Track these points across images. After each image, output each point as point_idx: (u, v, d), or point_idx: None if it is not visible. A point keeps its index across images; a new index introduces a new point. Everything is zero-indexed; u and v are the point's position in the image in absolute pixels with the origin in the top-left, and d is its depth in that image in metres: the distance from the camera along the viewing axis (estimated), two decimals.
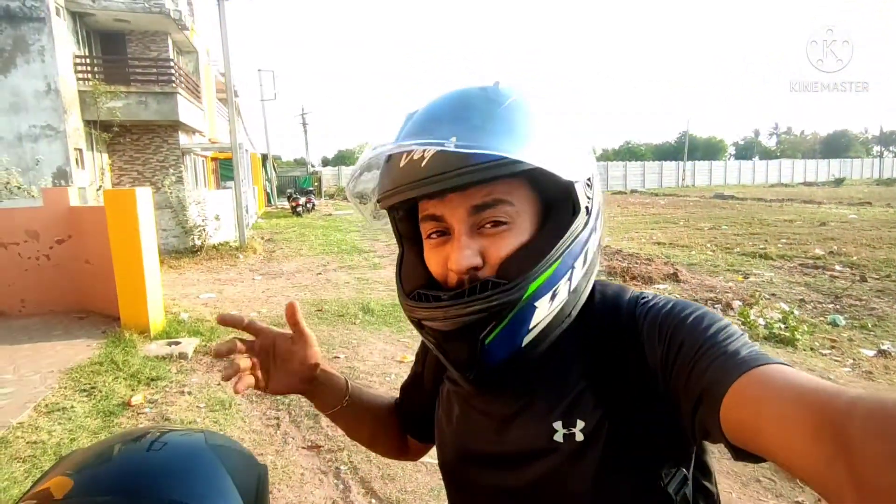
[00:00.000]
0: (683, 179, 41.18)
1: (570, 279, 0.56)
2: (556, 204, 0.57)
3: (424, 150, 0.53)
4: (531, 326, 0.55)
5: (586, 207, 0.58)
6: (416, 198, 0.56)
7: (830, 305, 6.14)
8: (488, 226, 0.56)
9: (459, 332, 0.55)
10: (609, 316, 0.61)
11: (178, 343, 4.78)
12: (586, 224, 0.58)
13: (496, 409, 0.64)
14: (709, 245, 10.51)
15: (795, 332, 4.64)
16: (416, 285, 0.62)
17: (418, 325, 0.60)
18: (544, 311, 0.55)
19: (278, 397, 3.64)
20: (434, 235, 0.59)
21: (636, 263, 8.31)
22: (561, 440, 0.57)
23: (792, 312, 5.17)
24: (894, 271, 7.70)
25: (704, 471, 0.61)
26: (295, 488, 2.61)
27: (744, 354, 0.48)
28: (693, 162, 45.11)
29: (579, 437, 0.56)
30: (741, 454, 0.46)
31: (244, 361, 0.70)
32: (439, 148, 0.51)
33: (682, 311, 0.56)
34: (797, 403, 0.40)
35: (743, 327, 5.11)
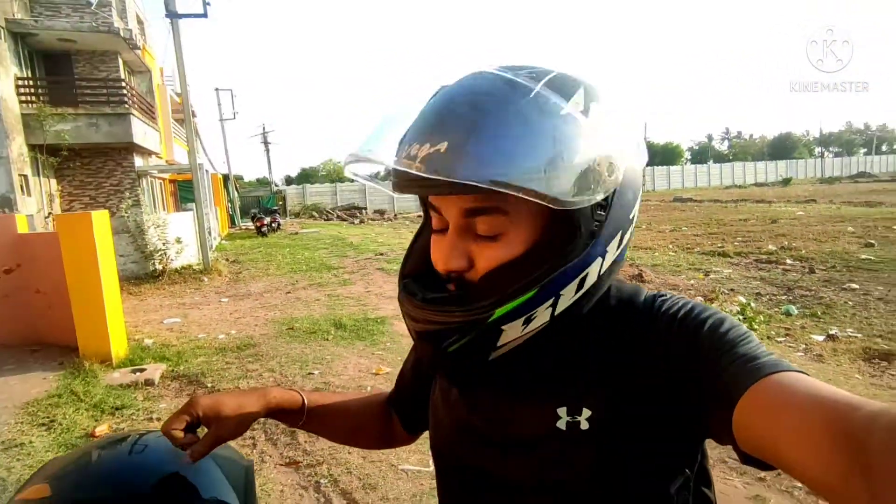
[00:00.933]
0: (644, 184, 42.57)
1: (553, 306, 0.53)
2: (561, 221, 0.52)
3: (420, 147, 0.50)
4: (499, 345, 0.54)
5: (591, 232, 0.53)
6: (403, 192, 0.55)
7: (784, 297, 6.45)
8: (482, 229, 0.53)
9: (426, 333, 0.56)
10: (624, 314, 0.59)
11: (143, 370, 4.60)
12: (586, 248, 0.53)
13: (497, 393, 0.62)
14: (671, 246, 10.89)
15: (753, 323, 4.86)
16: (414, 269, 0.62)
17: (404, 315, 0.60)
18: (515, 333, 0.53)
19: None
20: (437, 228, 0.58)
21: None
22: (563, 427, 0.56)
23: (749, 304, 5.41)
24: (839, 262, 8.16)
25: (704, 478, 0.60)
26: None
27: (761, 360, 0.48)
28: (652, 167, 46.72)
29: (584, 425, 0.55)
30: (749, 459, 0.46)
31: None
32: (417, 174, 0.48)
33: (700, 313, 0.55)
34: (814, 414, 0.40)
35: None
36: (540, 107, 0.49)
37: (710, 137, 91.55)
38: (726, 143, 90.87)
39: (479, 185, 0.46)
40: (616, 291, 0.61)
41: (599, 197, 0.51)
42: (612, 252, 0.56)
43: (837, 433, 0.37)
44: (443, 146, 0.48)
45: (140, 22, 16.63)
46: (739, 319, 4.93)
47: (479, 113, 0.49)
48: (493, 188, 0.46)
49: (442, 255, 0.55)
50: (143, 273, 9.65)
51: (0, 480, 2.77)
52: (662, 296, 0.60)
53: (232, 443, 0.75)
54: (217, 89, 28.61)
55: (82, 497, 0.66)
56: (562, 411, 0.56)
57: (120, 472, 0.72)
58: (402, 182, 0.53)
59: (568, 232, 0.52)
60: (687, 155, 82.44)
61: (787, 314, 5.65)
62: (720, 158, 75.91)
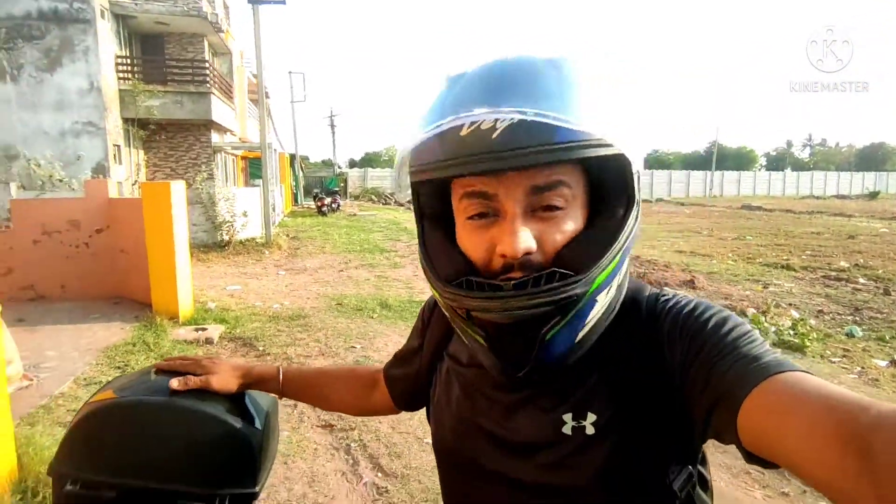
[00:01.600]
0: (711, 189, 40.50)
1: (621, 273, 0.55)
2: (610, 194, 0.54)
3: (497, 120, 0.47)
4: (587, 321, 0.53)
5: (637, 201, 0.56)
6: (479, 173, 0.50)
7: (849, 317, 6.09)
8: (542, 209, 0.52)
9: (518, 325, 0.52)
10: (628, 312, 0.59)
11: (204, 329, 5.04)
12: (636, 218, 0.55)
13: (503, 397, 0.62)
14: (731, 255, 10.44)
15: (805, 339, 4.66)
16: (456, 271, 0.56)
17: (465, 315, 0.55)
18: (601, 306, 0.53)
19: None
20: (477, 217, 0.54)
21: (653, 269, 8.33)
22: (569, 432, 0.56)
23: (802, 320, 5.18)
24: None
25: (702, 482, 0.60)
26: (308, 461, 2.81)
27: (766, 360, 0.47)
28: (722, 172, 44.31)
29: (590, 430, 0.55)
30: (753, 458, 0.46)
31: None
32: (542, 119, 0.46)
33: (704, 311, 0.55)
34: (822, 414, 0.40)
35: None
36: (603, 83, 0.52)
37: (789, 143, 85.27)
38: (808, 150, 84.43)
39: (606, 140, 0.49)
40: None
41: (641, 164, 0.56)
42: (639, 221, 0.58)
43: (845, 433, 0.37)
44: (539, 101, 0.48)
45: (225, 7, 17.60)
46: (790, 335, 4.77)
47: (554, 76, 0.50)
48: (618, 147, 0.49)
49: (513, 239, 0.50)
50: (212, 242, 10.37)
51: None
52: (665, 294, 0.60)
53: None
54: (290, 72, 29.84)
55: (139, 399, 0.86)
56: (567, 417, 0.56)
57: (169, 384, 0.91)
58: (469, 160, 0.49)
59: (622, 201, 0.54)
60: (762, 161, 77.45)
61: (850, 335, 5.35)
62: (799, 167, 70.76)
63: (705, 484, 0.60)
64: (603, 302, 0.53)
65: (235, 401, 0.88)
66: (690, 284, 7.33)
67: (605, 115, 0.50)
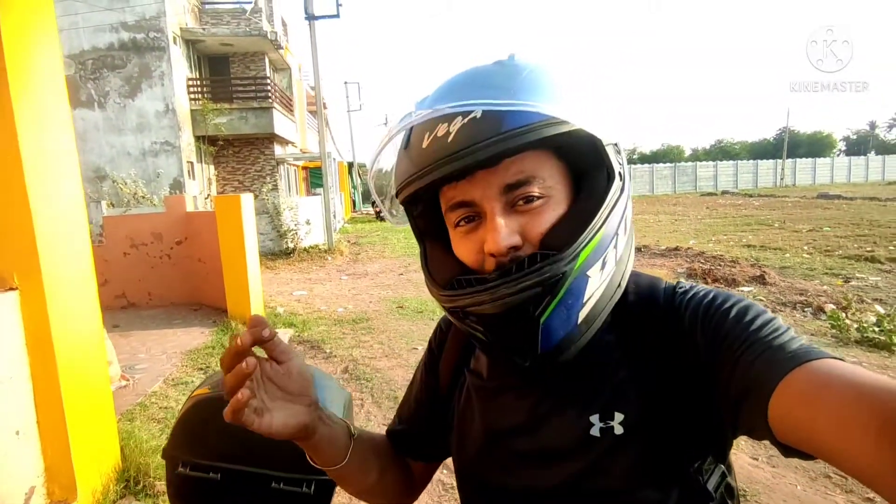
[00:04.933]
0: (782, 179, 37.94)
1: (615, 247, 0.54)
2: (588, 172, 0.55)
3: (450, 125, 0.50)
4: (585, 299, 0.52)
5: (619, 173, 0.55)
6: (440, 181, 0.53)
7: None
8: (521, 202, 0.53)
9: (512, 313, 0.51)
10: (645, 306, 0.58)
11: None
12: (622, 189, 0.55)
13: (526, 404, 0.60)
14: (806, 248, 9.78)
15: (893, 336, 4.32)
16: (450, 276, 0.57)
17: (462, 315, 0.56)
18: (597, 282, 0.52)
19: (363, 380, 4.02)
20: (463, 223, 0.56)
21: (719, 265, 7.96)
22: (598, 434, 0.55)
23: (888, 315, 4.80)
24: None
25: (728, 491, 0.58)
26: None
27: (794, 348, 0.46)
28: (794, 160, 41.31)
29: (618, 430, 0.54)
30: (791, 451, 0.44)
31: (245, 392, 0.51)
32: (480, 108, 0.49)
33: (725, 301, 0.54)
34: (857, 403, 0.39)
35: (833, 331, 4.83)
36: (550, 70, 0.54)
37: (872, 125, 77.53)
38: (895, 131, 76.89)
39: (552, 115, 0.48)
40: (634, 286, 0.60)
41: (616, 137, 0.56)
42: (630, 196, 0.58)
43: (884, 422, 0.36)
44: (489, 95, 0.50)
45: (284, 24, 18.44)
46: (874, 332, 4.45)
47: (502, 74, 0.53)
48: (567, 118, 0.49)
49: (495, 237, 0.51)
50: (278, 250, 10.91)
51: (170, 409, 3.49)
52: (681, 285, 0.60)
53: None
54: (346, 82, 30.78)
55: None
56: (594, 418, 0.55)
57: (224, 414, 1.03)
58: (431, 167, 0.52)
59: (601, 177, 0.54)
60: (841, 145, 71.44)
61: None
62: (884, 150, 64.03)
63: (732, 493, 0.58)
64: (599, 277, 0.52)
65: (317, 394, 0.98)
66: (761, 280, 6.96)
67: (550, 95, 0.51)
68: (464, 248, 0.56)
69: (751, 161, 41.39)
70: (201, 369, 4.28)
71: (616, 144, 0.56)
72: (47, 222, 2.11)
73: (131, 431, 2.89)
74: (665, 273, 7.88)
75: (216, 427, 0.97)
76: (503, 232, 0.52)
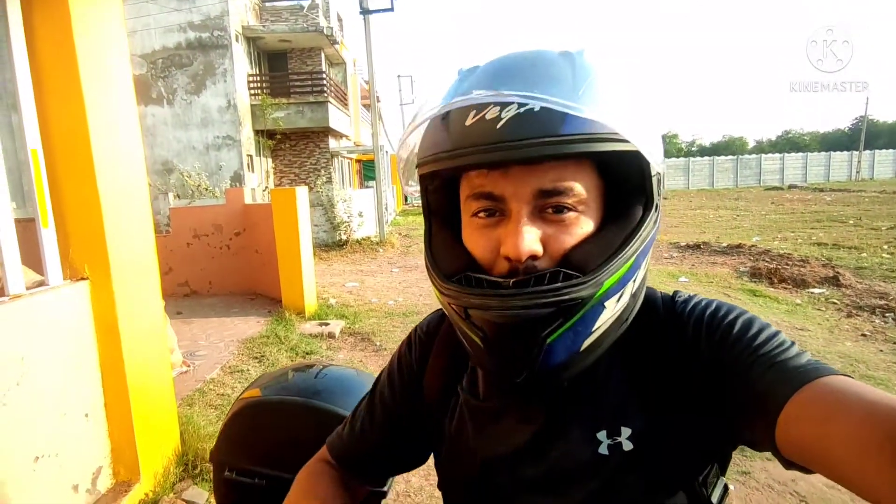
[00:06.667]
0: (858, 172, 35.13)
1: (635, 280, 0.51)
2: (627, 195, 0.51)
3: (502, 110, 0.45)
4: (594, 328, 0.49)
5: (656, 205, 0.52)
6: (474, 167, 0.49)
7: None
8: (551, 211, 0.49)
9: (517, 327, 0.48)
10: (645, 315, 0.56)
11: (327, 324, 5.45)
12: (655, 222, 0.52)
13: (529, 427, 0.56)
14: (886, 247, 9.01)
15: None
16: (457, 268, 0.53)
17: (463, 315, 0.51)
18: (610, 313, 0.50)
19: None
20: (483, 214, 0.51)
21: (787, 265, 7.45)
22: (606, 452, 0.52)
23: None
24: None
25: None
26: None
27: (802, 363, 0.45)
28: (872, 151, 38.15)
29: (627, 445, 0.52)
30: (793, 465, 0.44)
31: None
32: (548, 105, 0.43)
33: (728, 313, 0.53)
34: (869, 423, 0.38)
35: None
36: (620, 79, 0.49)
37: None
38: None
39: (621, 133, 0.45)
40: None
41: (663, 164, 0.53)
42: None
43: (891, 441, 0.36)
44: (552, 90, 0.44)
45: (339, 19, 18.78)
46: None
47: (567, 69, 0.48)
48: (633, 140, 0.45)
49: (517, 241, 0.48)
50: (331, 241, 11.16)
51: (226, 396, 3.62)
52: (680, 294, 0.58)
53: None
54: (399, 76, 31.02)
55: (279, 398, 0.96)
56: (601, 435, 0.53)
57: (304, 383, 1.02)
58: (473, 150, 0.47)
59: (639, 203, 0.51)
60: None
61: None
62: None
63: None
64: (612, 309, 0.50)
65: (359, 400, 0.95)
66: (834, 281, 6.46)
67: (619, 109, 0.46)
68: (478, 242, 0.52)
69: (822, 153, 38.54)
70: (256, 358, 4.42)
71: (660, 173, 0.52)
72: (115, 216, 2.21)
73: (190, 417, 3.01)
74: (728, 272, 7.48)
75: (262, 432, 0.96)
76: (527, 238, 0.48)
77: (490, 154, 0.46)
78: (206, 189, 10.94)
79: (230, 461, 0.93)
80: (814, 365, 0.45)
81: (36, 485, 1.87)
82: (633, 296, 0.53)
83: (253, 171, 13.91)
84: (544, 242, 0.49)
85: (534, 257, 0.49)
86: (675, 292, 0.59)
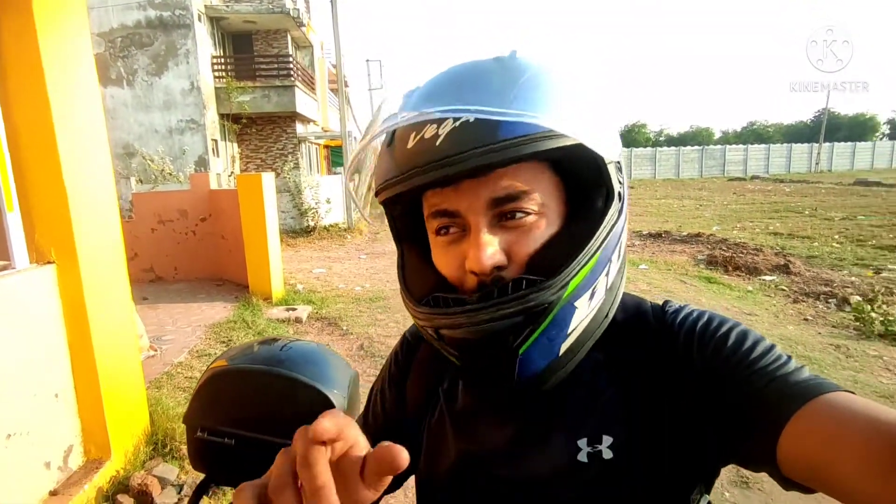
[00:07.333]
0: (817, 163, 36.68)
1: (607, 275, 0.50)
2: (586, 190, 0.51)
3: (439, 127, 0.46)
4: (569, 331, 0.48)
5: (619, 193, 0.52)
6: (423, 187, 0.49)
7: None
8: (510, 218, 0.49)
9: (488, 340, 0.47)
10: (633, 325, 0.56)
11: (294, 309, 5.49)
12: (620, 211, 0.52)
13: (508, 430, 0.56)
14: (837, 237, 9.54)
15: None
16: (427, 290, 0.53)
17: (436, 336, 0.52)
18: (584, 312, 0.49)
19: (378, 357, 4.14)
20: (443, 231, 0.52)
21: (741, 253, 7.84)
22: (585, 459, 0.52)
23: None
24: None
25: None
26: None
27: (802, 379, 0.44)
28: (831, 144, 39.76)
29: (607, 454, 0.51)
30: (791, 484, 0.43)
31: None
32: (473, 115, 0.43)
33: (721, 325, 0.52)
34: (878, 441, 0.37)
35: (856, 324, 4.77)
36: (554, 75, 0.49)
37: None
38: None
39: (552, 127, 0.44)
40: (620, 305, 0.57)
41: (619, 154, 0.52)
42: (626, 218, 0.54)
43: None
44: (482, 99, 0.44)
45: (306, 1, 18.39)
46: None
47: (500, 74, 0.48)
48: (567, 132, 0.44)
49: (479, 254, 0.47)
50: (299, 228, 11.09)
51: (194, 378, 3.66)
52: (670, 304, 0.57)
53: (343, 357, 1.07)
54: (367, 60, 30.56)
55: (245, 367, 1.05)
56: (582, 442, 0.52)
57: (270, 354, 1.11)
58: (415, 172, 0.47)
59: (599, 197, 0.51)
60: (884, 129, 68.32)
61: None
62: None
63: None
64: (587, 308, 0.49)
65: (322, 371, 1.05)
66: (784, 269, 6.85)
67: (554, 105, 0.46)
68: (444, 260, 0.52)
69: (784, 145, 40.05)
70: (223, 342, 4.45)
71: (619, 162, 0.53)
72: (81, 199, 2.22)
73: (159, 399, 3.05)
74: (686, 260, 7.81)
75: (230, 397, 1.06)
76: (487, 250, 0.47)
77: (434, 172, 0.46)
78: (170, 174, 10.68)
79: (201, 423, 1.02)
80: (815, 381, 0.44)
81: (8, 461, 1.91)
82: (610, 290, 0.52)
83: (218, 155, 13.62)
84: (507, 250, 0.49)
85: (500, 268, 0.48)
86: (666, 302, 0.58)
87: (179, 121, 12.92)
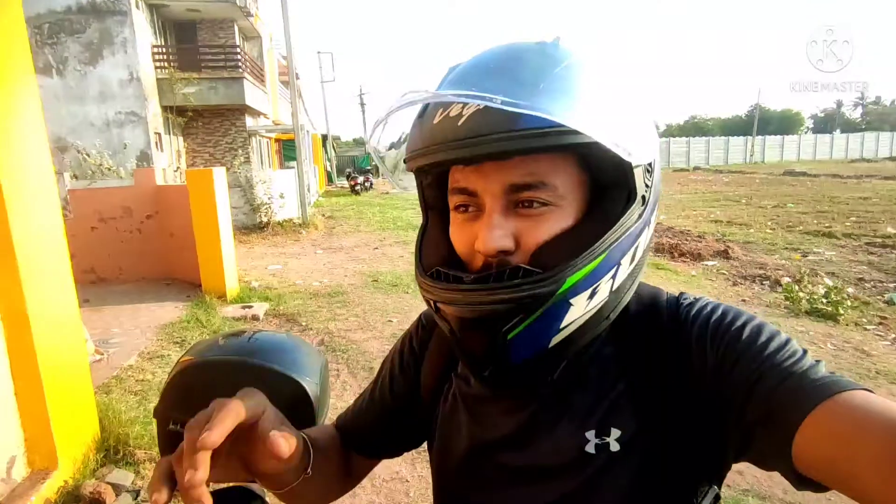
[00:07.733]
0: (752, 155, 38.89)
1: (613, 277, 0.49)
2: (608, 188, 0.50)
3: (464, 107, 0.46)
4: (562, 326, 0.48)
5: (643, 196, 0.50)
6: (446, 163, 0.50)
7: (892, 284, 5.95)
8: (525, 205, 0.49)
9: (479, 321, 0.48)
10: (647, 317, 0.55)
11: (250, 307, 5.36)
12: (641, 215, 0.50)
13: (517, 417, 0.57)
14: (769, 223, 10.19)
15: (839, 307, 4.62)
16: (436, 262, 0.54)
17: (435, 308, 0.53)
18: (580, 311, 0.48)
19: (339, 351, 4.11)
20: (462, 209, 0.53)
21: (686, 240, 8.25)
22: (593, 451, 0.52)
23: (836, 287, 5.11)
24: None
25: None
26: None
27: (819, 376, 0.43)
28: (763, 137, 42.34)
29: (614, 447, 0.51)
30: (804, 482, 0.42)
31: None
32: (482, 102, 0.43)
33: (735, 319, 0.51)
34: (893, 439, 0.37)
35: (787, 303, 5.12)
36: (591, 68, 0.49)
37: (839, 103, 78.67)
38: (860, 109, 78.58)
39: (566, 124, 0.42)
40: (635, 297, 0.56)
41: (651, 158, 0.51)
42: (653, 223, 0.53)
43: None
44: (509, 86, 0.45)
45: None
46: (822, 303, 4.73)
47: (536, 62, 0.47)
48: (584, 131, 0.43)
49: (487, 236, 0.49)
50: (252, 224, 10.78)
51: (147, 381, 3.52)
52: (685, 297, 0.57)
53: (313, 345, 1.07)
54: (319, 52, 29.95)
55: (217, 358, 1.04)
56: (590, 434, 0.52)
57: (238, 346, 1.10)
58: (435, 149, 0.48)
59: (620, 197, 0.50)
60: (808, 124, 73.09)
61: (890, 303, 5.27)
62: (850, 128, 65.24)
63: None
64: (583, 306, 0.48)
65: (294, 359, 1.06)
66: (724, 255, 7.27)
67: (582, 100, 0.46)
68: (458, 237, 0.54)
69: (722, 137, 42.30)
70: (177, 343, 4.30)
71: (650, 164, 0.52)
72: (17, 195, 2.10)
73: (109, 404, 2.92)
74: None
75: (200, 390, 1.04)
76: (495, 233, 0.48)
77: (452, 151, 0.47)
78: (109, 169, 10.11)
79: (173, 415, 1.00)
80: (832, 378, 0.43)
81: None
82: (616, 292, 0.51)
83: (162, 150, 13.01)
84: (517, 237, 0.49)
85: (507, 253, 0.49)
86: (681, 293, 0.58)
87: (118, 113, 12.23)
